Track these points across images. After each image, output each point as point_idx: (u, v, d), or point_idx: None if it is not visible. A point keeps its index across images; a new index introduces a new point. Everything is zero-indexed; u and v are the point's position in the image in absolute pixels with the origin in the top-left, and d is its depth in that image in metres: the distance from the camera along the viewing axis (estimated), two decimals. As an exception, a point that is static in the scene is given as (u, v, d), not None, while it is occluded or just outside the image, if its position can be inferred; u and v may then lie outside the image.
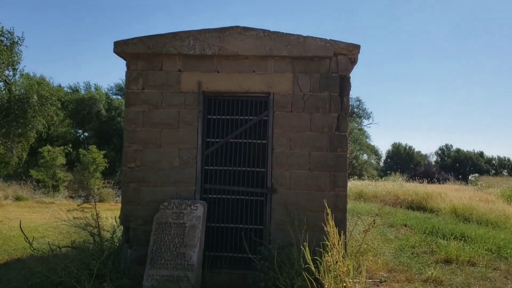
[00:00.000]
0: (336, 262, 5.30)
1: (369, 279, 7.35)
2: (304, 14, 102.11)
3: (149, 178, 6.45)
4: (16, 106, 21.69)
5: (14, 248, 8.33)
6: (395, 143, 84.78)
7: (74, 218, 6.48)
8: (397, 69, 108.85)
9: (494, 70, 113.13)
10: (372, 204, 18.09)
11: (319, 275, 5.10)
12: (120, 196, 6.60)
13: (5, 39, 20.92)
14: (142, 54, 6.48)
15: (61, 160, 28.27)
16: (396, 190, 20.53)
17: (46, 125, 23.54)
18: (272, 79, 6.47)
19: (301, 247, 5.24)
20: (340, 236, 5.80)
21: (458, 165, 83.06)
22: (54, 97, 24.38)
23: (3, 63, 20.59)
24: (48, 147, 28.42)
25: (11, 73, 22.19)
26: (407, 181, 29.46)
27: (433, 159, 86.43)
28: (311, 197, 6.36)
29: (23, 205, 17.77)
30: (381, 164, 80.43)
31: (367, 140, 58.72)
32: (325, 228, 5.44)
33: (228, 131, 6.59)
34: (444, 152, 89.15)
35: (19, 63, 21.94)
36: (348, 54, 6.43)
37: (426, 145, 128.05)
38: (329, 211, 5.43)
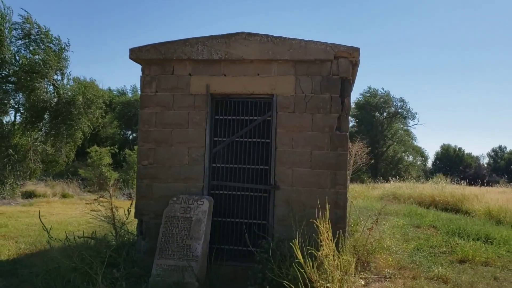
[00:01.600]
0: (327, 256, 5.56)
1: (375, 275, 7.55)
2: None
3: (161, 175, 6.95)
4: (63, 109, 22.99)
5: (47, 240, 9.06)
6: (444, 145, 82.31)
7: (91, 210, 7.05)
8: (446, 67, 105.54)
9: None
10: (403, 206, 17.96)
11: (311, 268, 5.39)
12: (135, 192, 7.11)
13: (53, 45, 22.25)
14: (155, 60, 6.98)
15: (107, 159, 29.57)
16: (432, 191, 20.25)
17: (91, 127, 24.73)
18: (276, 81, 6.81)
19: (296, 241, 5.54)
20: (338, 232, 6.08)
21: (512, 168, 79.60)
22: (100, 100, 25.64)
23: (51, 68, 21.88)
24: (96, 147, 29.83)
25: (59, 77, 23.54)
26: (451, 183, 28.79)
27: (484, 161, 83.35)
28: (312, 194, 6.63)
29: (67, 202, 18.90)
30: (429, 165, 78.54)
31: (413, 141, 57.55)
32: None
33: (234, 130, 6.99)
34: (497, 154, 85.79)
35: (67, 67, 23.25)
36: (348, 57, 6.68)
37: (478, 147, 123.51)
38: (327, 207, 5.69)
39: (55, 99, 23.54)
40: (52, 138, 24.81)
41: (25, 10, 25.53)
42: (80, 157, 33.13)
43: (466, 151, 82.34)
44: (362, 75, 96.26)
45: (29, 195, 20.42)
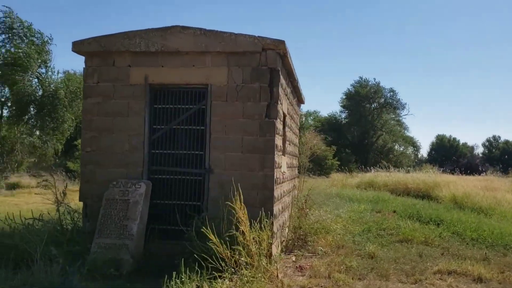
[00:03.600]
0: (243, 233, 6.05)
1: (311, 253, 8.06)
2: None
3: (103, 161, 7.42)
4: (48, 101, 23.44)
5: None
6: (439, 135, 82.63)
7: (35, 194, 7.55)
8: (438, 59, 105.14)
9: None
10: (374, 192, 18.47)
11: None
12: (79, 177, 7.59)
13: (36, 39, 22.70)
14: (96, 52, 7.43)
15: (96, 152, 29.96)
16: (405, 179, 20.78)
17: (75, 120, 25.14)
18: (210, 72, 7.26)
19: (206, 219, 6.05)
20: (260, 211, 6.57)
21: (506, 157, 79.89)
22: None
23: (34, 61, 22.33)
24: (83, 139, 30.18)
25: (43, 70, 24.00)
26: (441, 172, 29.23)
27: (479, 150, 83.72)
28: (243, 176, 7.11)
29: (50, 192, 19.37)
30: (424, 155, 79.16)
31: (405, 131, 57.93)
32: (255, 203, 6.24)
33: (172, 119, 7.44)
34: (492, 144, 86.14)
35: (50, 60, 23.71)
36: (275, 48, 7.13)
37: (473, 137, 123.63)
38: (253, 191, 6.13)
39: (40, 92, 24.01)
40: (38, 131, 25.34)
41: (6, 6, 25.91)
42: (72, 149, 33.63)
43: (462, 141, 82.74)
44: (357, 66, 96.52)
45: (13, 186, 20.90)
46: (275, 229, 7.38)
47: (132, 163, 7.37)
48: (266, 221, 6.52)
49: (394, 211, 13.53)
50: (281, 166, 7.95)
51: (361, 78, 54.23)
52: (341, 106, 55.39)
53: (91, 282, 6.08)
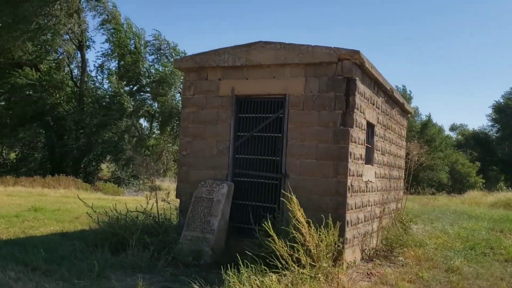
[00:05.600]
0: (304, 236, 6.36)
1: (391, 262, 8.02)
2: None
3: (196, 163, 8.34)
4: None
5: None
6: None
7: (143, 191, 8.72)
8: None
9: None
10: (504, 212, 16.87)
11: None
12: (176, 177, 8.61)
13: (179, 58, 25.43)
14: (192, 68, 8.42)
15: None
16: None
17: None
18: (288, 83, 7.75)
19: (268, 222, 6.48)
20: (328, 217, 6.83)
21: None
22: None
23: (178, 78, 25.00)
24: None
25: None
26: None
27: None
28: (317, 182, 7.43)
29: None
30: None
31: None
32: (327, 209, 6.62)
33: (253, 126, 8.07)
34: None
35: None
36: (351, 59, 7.34)
37: None
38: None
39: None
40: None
41: (156, 30, 29.44)
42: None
43: None
44: None
45: (154, 189, 23.53)
46: (349, 236, 7.52)
47: (219, 165, 8.16)
48: (333, 226, 6.74)
49: (519, 232, 12.38)
50: (361, 175, 8.04)
51: (512, 88, 49.07)
52: (488, 119, 50.75)
53: (173, 268, 6.96)
